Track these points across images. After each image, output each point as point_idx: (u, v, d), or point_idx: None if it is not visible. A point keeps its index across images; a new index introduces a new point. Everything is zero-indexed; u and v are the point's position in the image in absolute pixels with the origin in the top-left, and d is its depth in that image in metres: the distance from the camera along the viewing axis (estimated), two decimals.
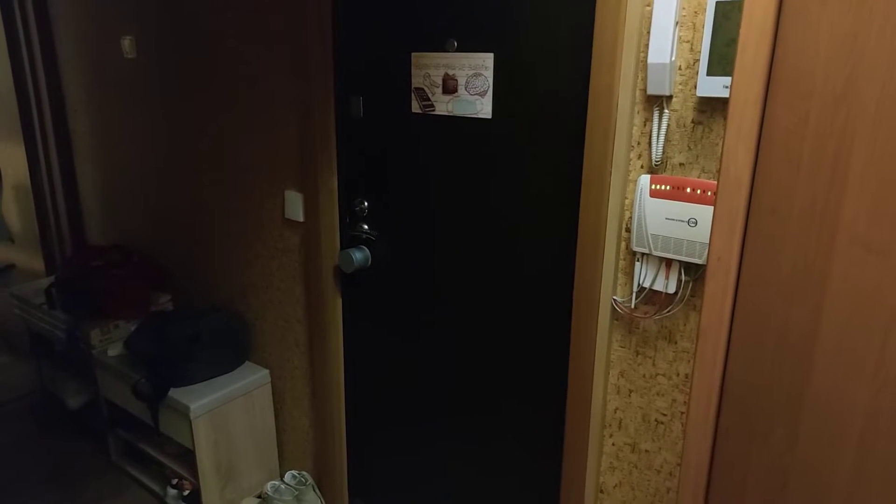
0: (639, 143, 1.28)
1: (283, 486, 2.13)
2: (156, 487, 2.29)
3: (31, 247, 2.98)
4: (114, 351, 2.28)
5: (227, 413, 2.09)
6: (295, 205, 1.92)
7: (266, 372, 2.20)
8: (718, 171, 0.83)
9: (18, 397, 2.85)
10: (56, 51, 2.63)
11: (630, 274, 1.36)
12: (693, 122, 1.20)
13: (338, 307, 1.97)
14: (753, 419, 0.88)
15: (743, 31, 0.77)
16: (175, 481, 2.17)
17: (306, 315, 2.03)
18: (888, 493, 0.76)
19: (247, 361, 2.24)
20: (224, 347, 2.16)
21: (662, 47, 1.17)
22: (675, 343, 1.33)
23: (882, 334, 0.73)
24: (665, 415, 1.39)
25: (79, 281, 2.43)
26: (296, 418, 2.20)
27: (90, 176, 2.71)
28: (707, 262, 0.87)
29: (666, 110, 1.22)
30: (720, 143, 1.17)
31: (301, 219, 1.92)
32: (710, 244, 0.86)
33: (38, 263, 2.97)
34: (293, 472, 2.17)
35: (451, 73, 1.54)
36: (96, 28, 2.42)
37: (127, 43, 2.30)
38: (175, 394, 2.04)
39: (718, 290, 0.87)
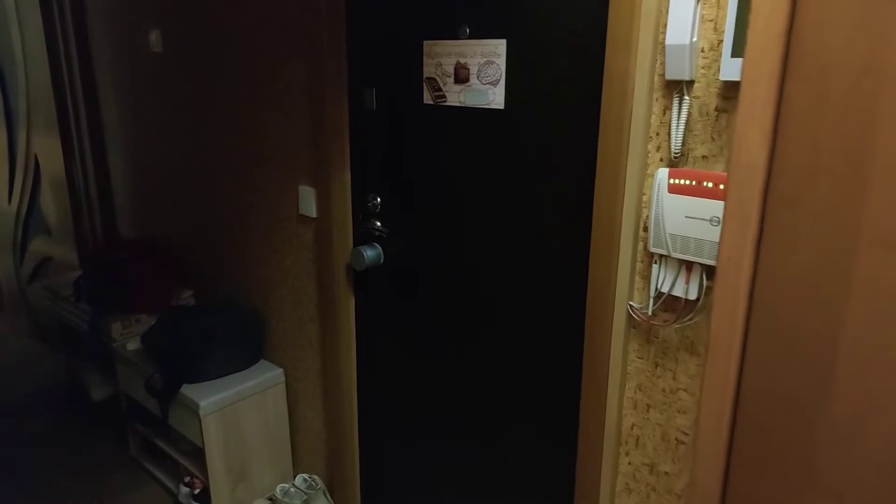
0: (657, 134, 1.17)
1: (292, 490, 2.08)
2: (170, 484, 2.27)
3: (66, 240, 3.03)
4: (133, 345, 2.27)
5: (239, 412, 2.05)
6: (308, 200, 1.87)
7: (280, 371, 2.15)
8: (729, 158, 0.72)
9: (47, 388, 2.90)
10: (90, 44, 2.66)
11: (647, 278, 1.24)
12: (717, 109, 1.08)
13: (350, 306, 1.90)
14: (769, 439, 0.76)
15: None
16: (187, 479, 2.14)
17: (319, 314, 1.97)
18: None
19: (262, 360, 2.20)
20: (239, 345, 2.12)
21: (682, 27, 1.06)
22: (699, 355, 1.21)
23: None
24: (687, 434, 1.27)
25: (103, 274, 2.44)
26: (309, 420, 2.15)
27: (121, 170, 2.73)
28: (717, 261, 0.75)
29: (686, 97, 1.11)
30: None
31: (314, 214, 1.86)
32: (720, 241, 0.75)
33: (73, 256, 3.01)
34: (304, 475, 2.11)
35: (462, 61, 1.45)
36: (127, 22, 2.43)
37: (154, 36, 2.30)
38: (186, 390, 2.01)
39: (729, 294, 0.76)
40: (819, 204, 0.66)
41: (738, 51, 1.00)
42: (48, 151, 2.95)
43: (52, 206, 3.08)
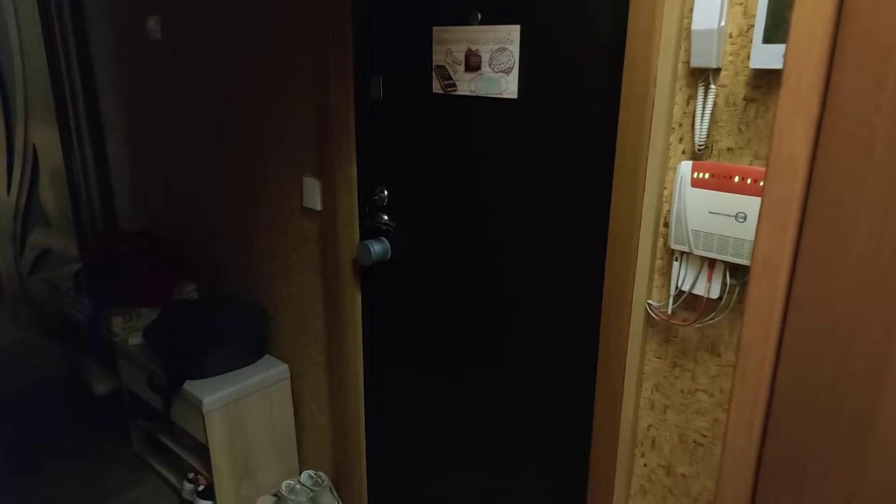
0: (680, 125, 1.11)
1: (298, 487, 2.04)
2: (174, 480, 2.24)
3: (66, 231, 2.98)
4: (134, 340, 2.23)
5: (244, 408, 2.01)
6: (313, 193, 1.82)
7: (286, 367, 2.11)
8: (768, 152, 0.67)
9: (49, 381, 2.86)
10: (87, 32, 2.60)
11: (667, 275, 1.19)
12: (745, 99, 1.03)
13: (357, 302, 1.85)
14: (805, 457, 0.72)
15: None
16: (191, 475, 2.11)
17: (325, 309, 1.92)
18: None
19: (266, 355, 2.16)
20: (242, 340, 2.08)
21: (710, 11, 1.00)
22: (719, 356, 1.16)
23: None
24: (705, 436, 1.22)
25: (104, 267, 2.40)
26: (315, 416, 2.11)
27: (121, 160, 2.68)
28: (751, 263, 0.70)
29: (713, 86, 1.05)
30: None
31: (319, 208, 1.81)
32: (755, 242, 0.70)
33: (73, 248, 2.97)
34: (310, 472, 2.08)
35: (474, 48, 1.40)
36: (125, 8, 2.37)
37: (153, 23, 2.24)
38: (190, 386, 1.97)
39: (765, 297, 0.70)
40: (870, 204, 0.61)
41: (770, 36, 0.95)
42: (46, 142, 2.90)
43: (51, 197, 3.03)
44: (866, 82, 0.59)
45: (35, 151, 3.02)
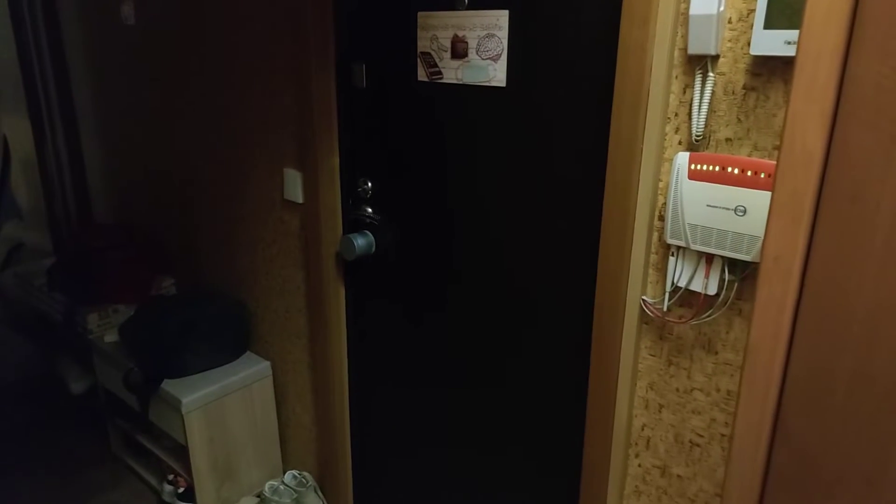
0: (676, 115, 1.07)
1: (281, 487, 1.99)
2: (153, 481, 2.18)
3: (39, 224, 2.89)
4: (110, 337, 2.16)
5: (224, 407, 1.95)
6: (294, 184, 1.75)
7: (267, 364, 2.05)
8: (780, 144, 0.63)
9: (24, 379, 2.78)
10: (59, 19, 2.51)
11: (663, 271, 1.15)
12: (745, 87, 0.98)
13: (340, 298, 1.80)
14: (816, 465, 0.68)
15: None
16: (171, 477, 2.05)
17: (307, 305, 1.87)
18: None
19: (248, 352, 2.09)
20: (223, 337, 2.02)
21: None
22: (716, 353, 1.12)
23: None
24: (702, 436, 1.19)
25: (78, 262, 2.32)
26: (298, 415, 2.06)
27: (95, 151, 2.60)
28: (760, 261, 0.66)
29: (711, 73, 1.01)
30: (778, 114, 0.96)
31: (300, 200, 1.75)
32: (765, 239, 0.66)
33: (46, 242, 2.88)
34: (294, 472, 2.03)
35: (460, 34, 1.34)
36: None
37: (126, 8, 2.15)
38: (168, 385, 1.90)
39: (775, 298, 0.66)
40: (892, 197, 0.57)
41: (772, 21, 0.90)
42: (18, 132, 2.80)
43: (23, 188, 2.93)
44: (888, 69, 0.55)
45: (6, 142, 2.92)
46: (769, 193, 0.96)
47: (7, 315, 3.05)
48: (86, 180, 2.67)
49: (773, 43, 0.92)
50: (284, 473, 2.05)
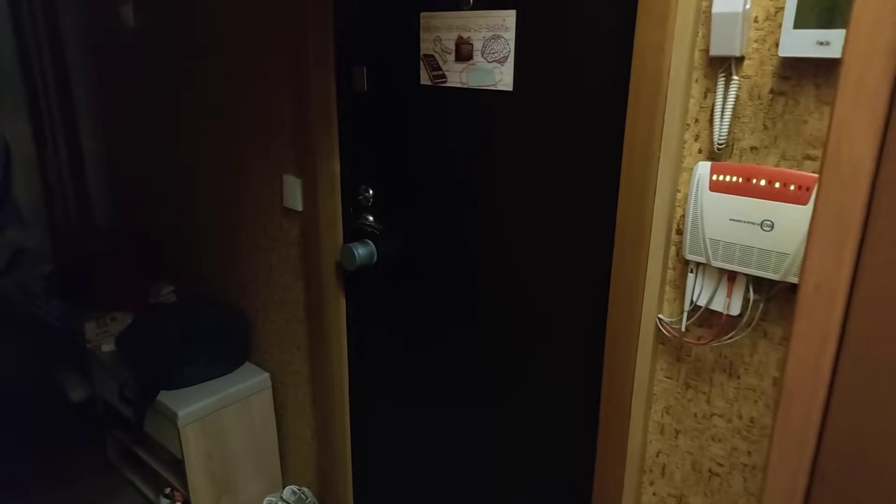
0: (696, 121, 0.99)
1: (280, 502, 1.93)
2: (151, 494, 2.12)
3: (39, 229, 2.84)
4: (108, 347, 2.10)
5: (222, 420, 1.89)
6: (293, 191, 1.69)
7: (266, 376, 1.99)
8: (823, 155, 0.55)
9: (23, 386, 2.73)
10: (59, 21, 2.46)
11: (681, 288, 1.07)
12: (772, 92, 0.91)
13: (341, 308, 1.73)
14: None
15: None
16: (168, 490, 1.99)
17: (307, 315, 1.80)
18: None
19: (246, 363, 2.03)
20: (221, 347, 1.96)
21: None
22: (738, 378, 1.05)
23: None
24: (722, 465, 1.11)
25: (76, 268, 2.27)
26: (298, 428, 1.99)
27: (95, 155, 2.55)
28: (799, 288, 0.59)
29: (735, 77, 0.93)
30: (809, 121, 0.88)
31: (300, 207, 1.69)
32: (804, 262, 0.58)
33: (45, 247, 2.83)
34: (293, 487, 1.96)
35: (465, 35, 1.27)
36: None
37: (126, 10, 2.10)
38: (164, 397, 1.84)
39: (816, 331, 0.59)
40: None
41: (802, 20, 0.82)
42: (18, 135, 2.76)
43: (23, 191, 2.89)
44: None
45: (7, 144, 2.87)
46: (800, 207, 0.88)
47: (7, 321, 3.01)
48: (86, 182, 2.62)
49: (804, 43, 0.85)
50: (284, 488, 1.98)
